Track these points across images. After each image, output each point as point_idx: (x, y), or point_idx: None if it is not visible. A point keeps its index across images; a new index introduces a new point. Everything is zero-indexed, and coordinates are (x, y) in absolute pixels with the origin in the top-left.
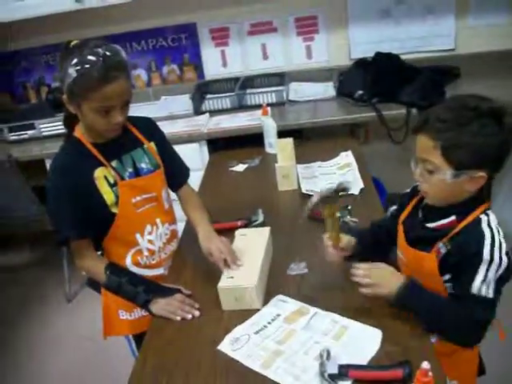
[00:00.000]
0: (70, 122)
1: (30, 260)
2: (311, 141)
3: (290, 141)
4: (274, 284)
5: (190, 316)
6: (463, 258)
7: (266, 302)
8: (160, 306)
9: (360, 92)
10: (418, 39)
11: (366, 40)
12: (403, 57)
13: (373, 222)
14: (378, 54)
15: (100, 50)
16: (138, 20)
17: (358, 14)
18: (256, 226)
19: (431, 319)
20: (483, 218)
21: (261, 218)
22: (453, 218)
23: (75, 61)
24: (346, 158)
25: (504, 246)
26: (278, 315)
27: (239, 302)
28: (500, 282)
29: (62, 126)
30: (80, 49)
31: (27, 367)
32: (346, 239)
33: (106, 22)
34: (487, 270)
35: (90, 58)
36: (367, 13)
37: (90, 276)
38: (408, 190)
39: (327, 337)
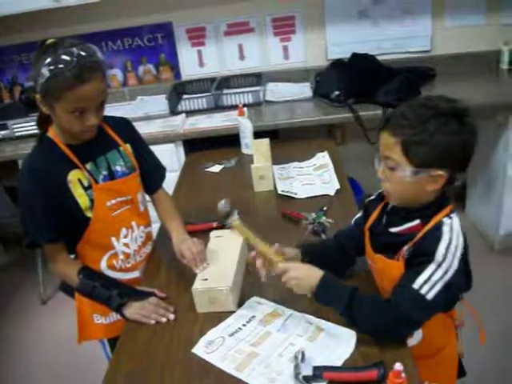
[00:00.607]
0: (44, 122)
1: (4, 261)
2: (287, 141)
3: (266, 141)
4: (249, 286)
5: (164, 319)
6: (416, 255)
7: (241, 303)
8: (134, 309)
9: (336, 93)
10: (395, 40)
11: (343, 41)
12: (380, 58)
13: (337, 233)
14: (355, 55)
15: (75, 49)
16: (113, 19)
17: (336, 14)
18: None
19: (350, 312)
20: (445, 221)
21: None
22: (417, 221)
23: (49, 60)
24: (323, 158)
25: (459, 251)
26: (253, 317)
27: (214, 304)
28: (449, 288)
29: (35, 127)
30: (54, 48)
31: (1, 368)
32: (292, 253)
33: (81, 21)
34: (435, 270)
35: (64, 57)
36: (344, 13)
37: (63, 279)
38: (373, 197)
39: (302, 338)
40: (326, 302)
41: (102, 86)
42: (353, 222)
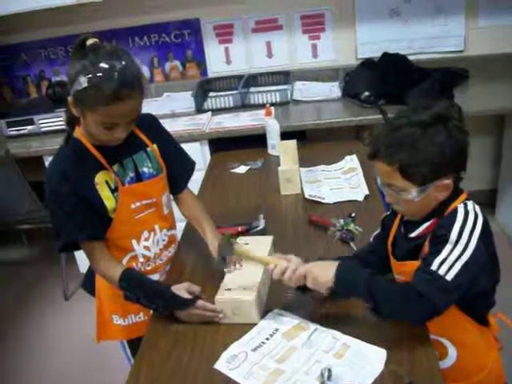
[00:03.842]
0: (73, 121)
1: (29, 256)
2: (315, 143)
3: (293, 143)
4: (274, 296)
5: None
6: (434, 238)
7: (264, 314)
8: (181, 316)
9: (366, 93)
10: (427, 40)
11: (373, 39)
12: (411, 57)
13: (356, 252)
14: (386, 55)
15: (117, 62)
16: (140, 15)
17: (366, 12)
18: (257, 233)
19: (370, 293)
20: (459, 206)
21: (262, 224)
22: (433, 219)
23: (89, 68)
24: (351, 162)
25: (477, 230)
26: (277, 330)
27: (237, 315)
28: (469, 268)
29: (62, 122)
30: (95, 53)
31: (24, 365)
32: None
33: (108, 17)
34: (451, 250)
35: (105, 68)
36: (375, 11)
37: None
38: (388, 213)
39: (328, 355)
40: (346, 289)
41: (138, 104)
42: (371, 238)
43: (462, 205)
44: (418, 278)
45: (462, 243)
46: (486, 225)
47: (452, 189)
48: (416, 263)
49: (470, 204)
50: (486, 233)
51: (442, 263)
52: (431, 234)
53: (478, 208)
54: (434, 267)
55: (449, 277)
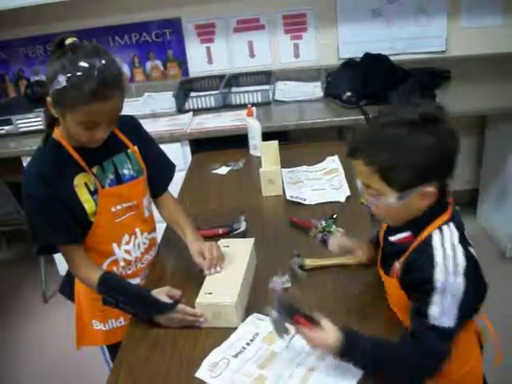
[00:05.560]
0: (53, 122)
1: (8, 257)
2: (297, 144)
3: (274, 144)
4: (256, 299)
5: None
6: (415, 282)
7: (244, 318)
8: (162, 321)
9: (348, 94)
10: (409, 40)
11: (355, 40)
12: (393, 58)
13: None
14: (367, 55)
15: (97, 60)
16: (121, 13)
17: (348, 12)
18: (238, 235)
19: (380, 367)
20: (434, 235)
21: (243, 226)
22: (408, 233)
23: (67, 67)
24: (333, 163)
25: (461, 266)
26: (257, 334)
27: (217, 319)
28: (465, 305)
29: (40, 123)
30: (74, 53)
31: (0, 367)
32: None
33: (88, 15)
34: (442, 298)
35: (84, 67)
36: (357, 12)
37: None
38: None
39: (311, 357)
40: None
41: (119, 103)
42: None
43: (436, 235)
44: (422, 335)
45: (451, 288)
46: (466, 251)
47: (437, 198)
48: (387, 278)
49: (445, 234)
50: (471, 261)
51: (439, 315)
52: (408, 263)
53: (454, 233)
54: (432, 321)
55: (452, 324)
